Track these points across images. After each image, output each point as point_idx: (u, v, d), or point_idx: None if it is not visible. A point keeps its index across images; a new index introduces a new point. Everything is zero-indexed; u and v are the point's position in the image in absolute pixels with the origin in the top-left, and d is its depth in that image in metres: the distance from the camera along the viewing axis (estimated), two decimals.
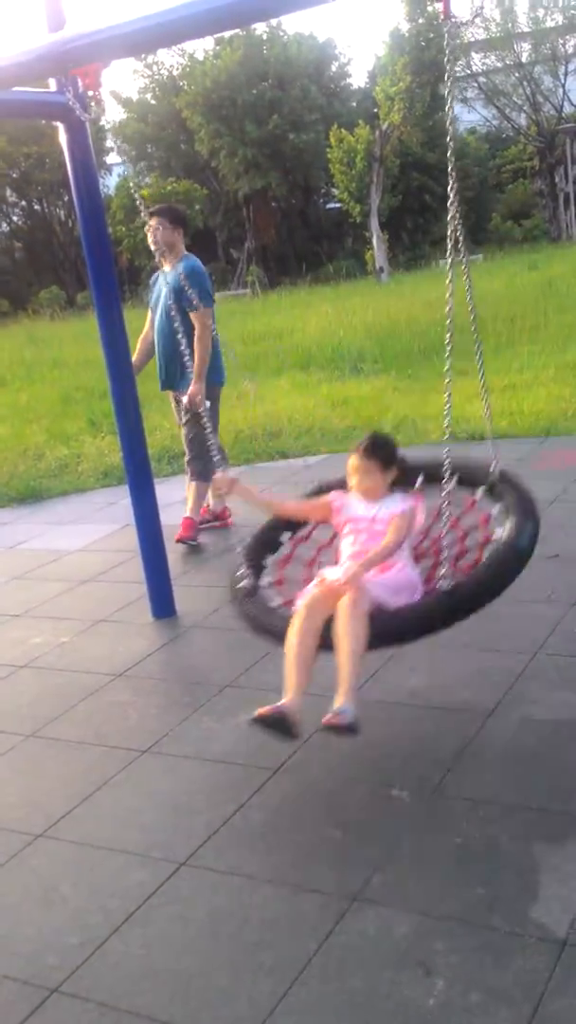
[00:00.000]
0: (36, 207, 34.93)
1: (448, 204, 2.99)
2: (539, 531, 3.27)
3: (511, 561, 3.16)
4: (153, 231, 5.39)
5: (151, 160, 34.71)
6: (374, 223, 27.29)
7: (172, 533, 5.64)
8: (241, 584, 3.41)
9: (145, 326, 5.89)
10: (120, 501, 6.60)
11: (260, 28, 30.90)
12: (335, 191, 30.56)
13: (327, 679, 2.95)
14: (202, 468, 5.57)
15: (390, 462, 3.40)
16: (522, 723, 3.21)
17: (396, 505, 3.35)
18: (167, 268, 5.48)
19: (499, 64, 31.32)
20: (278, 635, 3.15)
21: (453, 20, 2.93)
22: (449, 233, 2.99)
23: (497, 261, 23.91)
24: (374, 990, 2.21)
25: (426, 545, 3.59)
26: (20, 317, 27.31)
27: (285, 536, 3.72)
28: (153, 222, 5.41)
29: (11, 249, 35.26)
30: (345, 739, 2.89)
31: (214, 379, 5.60)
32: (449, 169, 2.93)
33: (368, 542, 3.31)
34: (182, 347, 4.29)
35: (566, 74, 31.19)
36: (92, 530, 6.26)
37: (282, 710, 2.91)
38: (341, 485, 3.53)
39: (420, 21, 27.83)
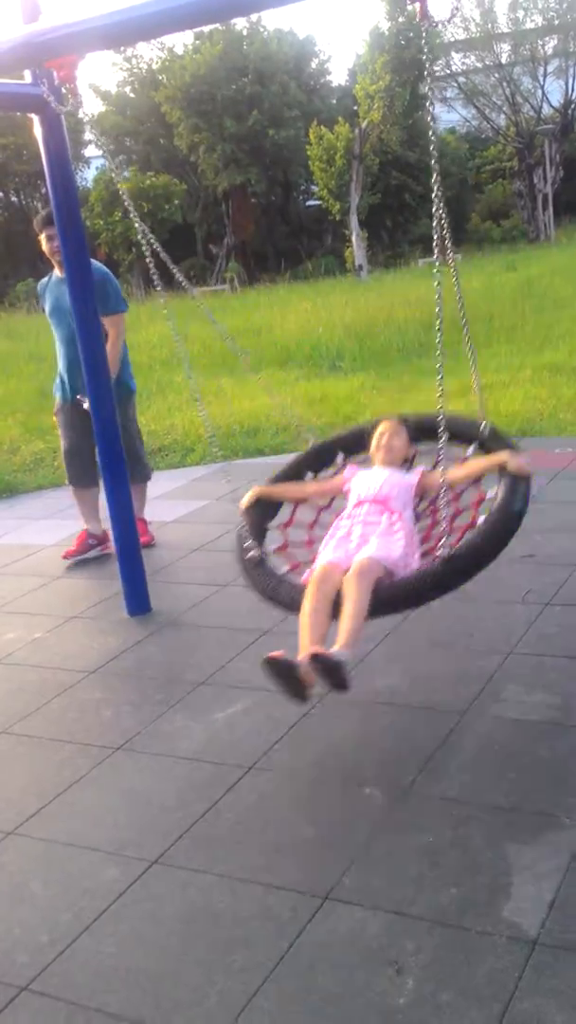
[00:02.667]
0: (13, 199, 34.68)
1: (433, 210, 3.13)
2: (531, 490, 3.32)
3: (506, 524, 3.20)
4: (52, 240, 5.01)
5: (130, 154, 34.55)
6: (353, 221, 27.31)
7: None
8: (250, 554, 3.47)
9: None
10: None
11: (240, 24, 30.86)
12: (315, 188, 30.55)
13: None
14: (142, 470, 5.53)
15: (411, 439, 3.71)
16: (496, 723, 3.22)
17: (407, 475, 3.62)
18: (62, 274, 5.09)
19: (479, 64, 31.43)
20: (287, 604, 3.27)
21: (431, 20, 2.93)
22: (435, 225, 3.12)
23: (475, 261, 23.98)
24: (345, 989, 2.21)
25: (423, 506, 3.68)
26: None
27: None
28: (53, 231, 4.92)
29: None
30: (336, 690, 2.89)
31: (132, 387, 5.54)
32: (433, 173, 3.02)
33: (374, 504, 3.48)
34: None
35: (545, 75, 31.37)
36: (67, 525, 6.21)
37: (294, 663, 2.90)
38: (344, 444, 3.88)
39: (400, 20, 27.85)
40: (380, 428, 3.73)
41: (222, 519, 5.98)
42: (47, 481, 7.65)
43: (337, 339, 12.82)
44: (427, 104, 2.96)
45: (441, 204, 3.09)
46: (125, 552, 4.67)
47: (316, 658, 2.84)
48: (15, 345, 17.87)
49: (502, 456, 3.37)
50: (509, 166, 31.97)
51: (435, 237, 3.13)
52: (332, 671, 2.83)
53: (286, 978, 2.26)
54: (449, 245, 3.25)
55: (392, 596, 3.12)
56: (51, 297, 5.39)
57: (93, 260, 5.06)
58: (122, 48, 29.84)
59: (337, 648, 2.90)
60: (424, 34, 3.01)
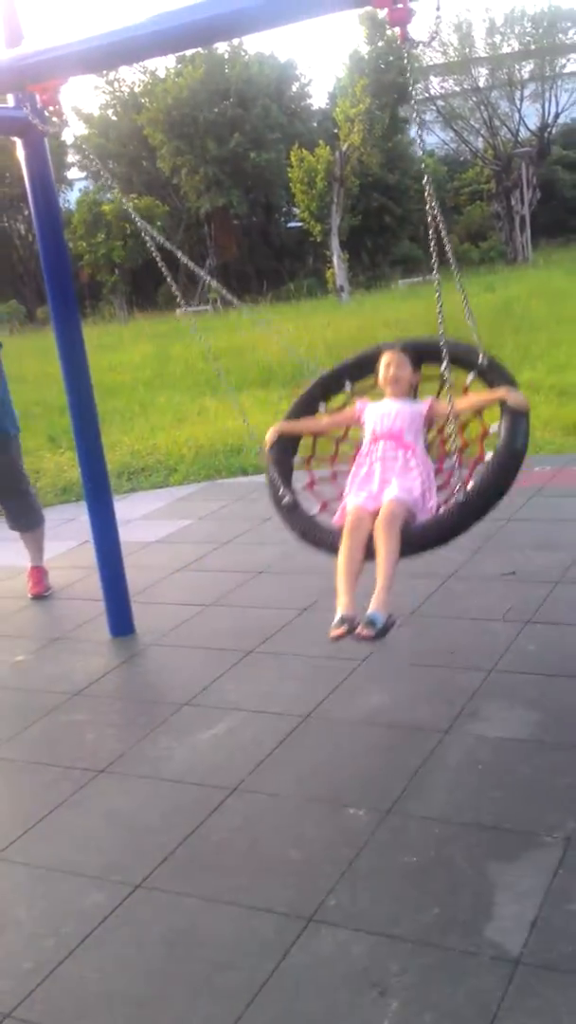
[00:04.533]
0: None
1: (430, 231, 3.35)
2: (529, 427, 3.58)
3: (510, 463, 3.51)
4: None
5: (112, 176, 34.64)
6: (335, 243, 27.49)
7: (130, 550, 5.61)
8: (284, 500, 3.80)
9: None
10: (79, 517, 6.55)
11: (222, 47, 31.06)
12: (296, 210, 30.75)
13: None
14: (34, 517, 5.38)
15: (417, 365, 3.84)
16: (478, 741, 3.23)
17: (416, 404, 3.78)
18: None
19: (457, 88, 31.76)
20: (323, 546, 3.65)
21: (412, 42, 2.97)
22: (433, 246, 3.40)
23: (454, 282, 24.15)
24: (329, 1011, 2.20)
25: (432, 434, 3.87)
26: None
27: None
28: None
29: None
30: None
31: (11, 429, 5.18)
32: (426, 192, 3.25)
33: (389, 440, 3.68)
34: None
35: (522, 99, 31.75)
36: (50, 547, 6.17)
37: (345, 619, 3.27)
38: (350, 372, 4.07)
39: (379, 44, 28.22)
40: (385, 359, 3.84)
41: (205, 538, 5.98)
42: None
43: (318, 359, 12.86)
44: (413, 120, 2.97)
45: (437, 225, 3.35)
46: (108, 573, 4.67)
47: (361, 639, 3.23)
48: None
49: (502, 392, 3.56)
50: (487, 188, 32.25)
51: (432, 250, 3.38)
52: (374, 641, 3.23)
53: (271, 1001, 2.25)
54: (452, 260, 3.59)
55: (416, 540, 3.45)
56: None
57: None
58: (104, 72, 30.00)
59: (372, 608, 3.23)
60: (406, 56, 3.12)
